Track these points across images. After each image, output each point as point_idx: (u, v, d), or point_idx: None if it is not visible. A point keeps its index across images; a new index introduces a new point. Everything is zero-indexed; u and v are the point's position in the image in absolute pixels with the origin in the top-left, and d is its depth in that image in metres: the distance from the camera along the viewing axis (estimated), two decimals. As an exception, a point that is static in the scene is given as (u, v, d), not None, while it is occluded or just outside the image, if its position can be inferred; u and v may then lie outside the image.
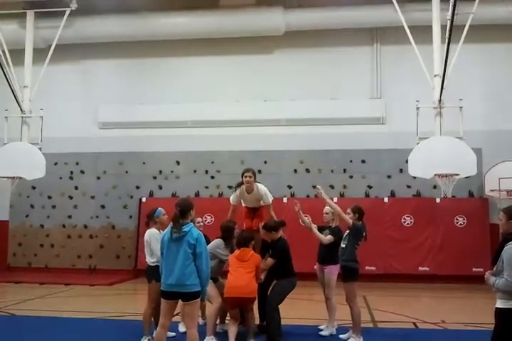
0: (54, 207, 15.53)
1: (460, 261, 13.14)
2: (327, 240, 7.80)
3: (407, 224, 13.83)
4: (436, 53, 12.13)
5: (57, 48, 13.83)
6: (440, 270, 13.38)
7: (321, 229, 7.98)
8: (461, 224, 13.64)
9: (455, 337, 7.85)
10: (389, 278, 13.31)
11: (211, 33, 14.78)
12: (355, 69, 14.95)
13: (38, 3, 14.12)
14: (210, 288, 6.96)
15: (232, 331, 6.95)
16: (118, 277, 13.90)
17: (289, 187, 14.58)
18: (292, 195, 14.29)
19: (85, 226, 15.34)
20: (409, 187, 14.20)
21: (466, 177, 12.10)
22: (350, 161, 14.56)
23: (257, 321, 7.59)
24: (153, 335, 6.37)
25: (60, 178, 15.50)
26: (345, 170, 14.58)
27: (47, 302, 10.63)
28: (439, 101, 12.04)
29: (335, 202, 8.26)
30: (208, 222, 13.27)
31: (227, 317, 7.49)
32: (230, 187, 13.99)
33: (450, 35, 10.59)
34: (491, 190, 13.21)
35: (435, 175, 11.67)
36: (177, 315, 6.40)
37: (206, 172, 15.08)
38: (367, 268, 12.82)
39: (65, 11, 13.66)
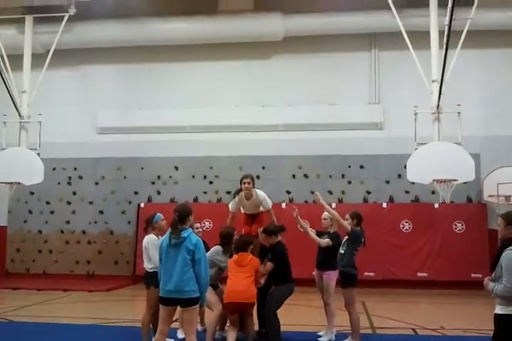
0: (52, 212, 15.50)
1: (459, 267, 13.11)
2: (325, 243, 7.79)
3: (406, 229, 13.82)
4: (434, 59, 12.17)
5: (56, 53, 13.84)
6: (439, 276, 13.35)
7: (319, 235, 7.98)
8: (459, 230, 13.63)
9: (454, 343, 7.84)
10: (388, 284, 13.28)
11: (210, 39, 14.81)
12: (354, 74, 14.98)
13: (36, 8, 14.12)
14: (211, 295, 6.97)
15: (232, 337, 6.93)
16: (116, 283, 13.85)
17: (288, 192, 14.57)
18: (291, 201, 14.28)
19: (83, 232, 15.31)
20: (407, 192, 14.20)
21: (465, 183, 12.11)
22: (349, 167, 14.56)
23: (256, 327, 7.56)
24: (152, 341, 6.35)
25: (59, 184, 15.48)
26: (343, 176, 14.58)
27: (45, 309, 10.58)
28: (437, 106, 12.07)
29: (333, 208, 8.27)
30: (207, 228, 13.26)
31: (227, 324, 7.46)
32: (228, 192, 14.05)
33: (448, 40, 10.61)
34: (490, 196, 13.21)
35: (433, 180, 11.68)
36: (176, 321, 6.37)
37: (205, 177, 15.07)
38: (365, 273, 12.79)
39: (64, 16, 13.70)
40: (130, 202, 15.22)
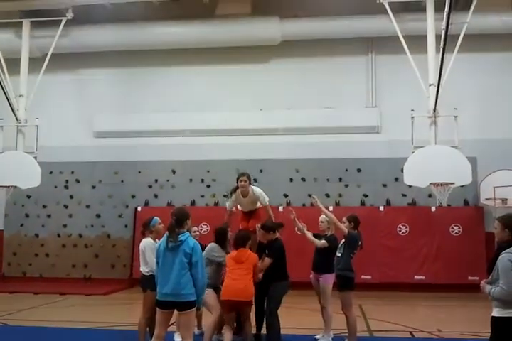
0: (49, 216, 15.47)
1: (456, 270, 13.12)
2: (321, 244, 7.79)
3: (403, 232, 13.82)
4: (431, 62, 12.23)
5: (53, 57, 13.86)
6: (436, 279, 13.36)
7: (316, 237, 7.97)
8: (456, 233, 13.64)
9: (451, 346, 7.84)
10: (385, 287, 13.27)
11: (207, 43, 14.83)
12: (351, 78, 15.02)
13: (34, 12, 14.18)
14: (210, 298, 6.96)
15: (228, 337, 6.92)
16: (113, 286, 13.82)
17: (285, 195, 14.58)
18: (288, 204, 14.26)
19: (80, 236, 15.28)
20: (404, 195, 14.22)
21: (462, 186, 12.17)
22: (346, 170, 14.58)
23: (253, 331, 7.55)
24: (149, 345, 6.34)
25: (55, 187, 15.46)
26: (340, 179, 14.60)
27: (41, 312, 10.58)
28: (434, 110, 12.13)
29: (330, 211, 8.27)
30: (204, 231, 13.22)
31: (224, 328, 7.44)
32: (225, 196, 14.01)
33: (445, 44, 10.66)
34: (486, 199, 13.24)
35: (430, 183, 11.71)
36: (172, 324, 6.36)
37: (202, 181, 15.07)
38: (362, 277, 12.76)
39: (61, 20, 13.74)
40: (127, 206, 15.20)
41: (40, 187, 13.39)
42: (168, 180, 15.24)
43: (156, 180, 15.27)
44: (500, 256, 4.62)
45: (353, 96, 14.92)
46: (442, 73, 11.46)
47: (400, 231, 13.83)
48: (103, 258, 15.01)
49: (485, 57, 14.36)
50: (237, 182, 7.93)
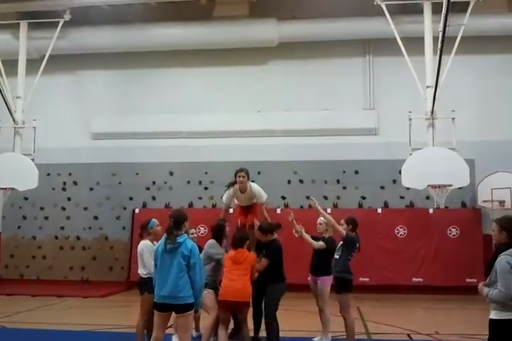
0: (46, 218, 15.45)
1: (453, 272, 13.12)
2: (319, 246, 7.78)
3: (401, 235, 13.82)
4: (428, 64, 12.26)
5: (51, 59, 13.87)
6: (434, 281, 13.35)
7: (314, 239, 7.95)
8: (454, 235, 13.64)
9: (449, 348, 7.83)
10: (382, 289, 13.26)
11: (205, 44, 14.84)
12: (348, 80, 15.03)
13: (31, 13, 14.17)
14: (208, 299, 6.94)
15: (223, 335, 6.91)
16: (111, 289, 13.78)
17: (283, 197, 14.57)
18: (286, 206, 14.26)
19: (78, 238, 15.25)
20: (402, 197, 14.22)
21: (459, 188, 12.19)
22: (344, 172, 14.58)
23: (251, 333, 7.54)
24: (146, 348, 6.32)
25: (53, 189, 15.44)
26: (338, 181, 14.60)
27: (39, 315, 10.54)
28: (432, 112, 12.15)
29: (328, 213, 8.27)
30: (202, 233, 13.19)
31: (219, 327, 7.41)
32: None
33: (442, 46, 10.67)
34: (484, 201, 13.25)
35: (428, 185, 11.73)
36: (170, 327, 6.34)
37: (200, 183, 15.06)
38: (360, 279, 12.76)
39: (59, 21, 13.76)
40: (125, 208, 15.19)
41: (37, 189, 13.38)
42: (165, 182, 15.22)
43: (154, 182, 15.25)
44: (498, 258, 4.61)
45: (350, 98, 14.93)
46: (440, 75, 11.47)
47: (397, 233, 13.83)
48: (101, 260, 14.98)
49: (482, 59, 14.37)
50: (236, 178, 7.89)
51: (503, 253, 4.62)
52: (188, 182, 15.12)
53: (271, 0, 14.58)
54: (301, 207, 14.08)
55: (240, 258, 6.97)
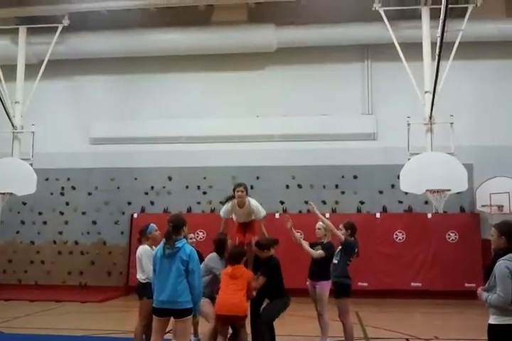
0: (45, 223, 15.42)
1: (452, 277, 13.12)
2: (318, 254, 7.76)
3: (399, 239, 13.82)
4: (426, 70, 12.30)
5: (50, 64, 13.89)
6: (432, 285, 13.34)
7: (313, 245, 7.96)
8: (452, 240, 13.64)
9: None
10: (381, 294, 13.24)
11: (203, 50, 14.87)
12: (347, 85, 15.06)
13: (30, 19, 14.21)
14: (207, 307, 6.94)
15: None
16: (109, 294, 13.75)
17: (281, 202, 14.57)
18: (284, 211, 14.27)
19: (76, 243, 15.23)
20: (400, 202, 14.23)
21: (458, 193, 12.19)
22: (342, 177, 14.59)
23: (249, 339, 7.51)
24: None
25: (51, 194, 15.43)
26: (337, 186, 14.61)
27: (37, 320, 10.51)
28: (430, 117, 12.18)
29: (327, 218, 8.26)
30: (200, 238, 13.20)
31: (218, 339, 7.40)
32: (222, 203, 13.99)
33: (440, 52, 10.70)
34: (482, 206, 13.26)
35: (427, 190, 11.74)
36: (169, 332, 6.33)
37: (198, 187, 15.06)
38: (359, 284, 12.74)
39: (58, 27, 13.79)
40: (123, 213, 15.17)
41: (35, 194, 13.37)
42: (164, 187, 15.22)
43: (153, 187, 15.25)
44: (497, 263, 4.62)
45: (349, 103, 14.96)
46: (438, 80, 11.51)
47: (396, 237, 13.82)
48: (99, 265, 14.95)
49: (480, 65, 14.42)
50: (234, 193, 7.88)
51: (502, 258, 4.63)
52: (187, 187, 15.12)
53: (269, 5, 14.60)
54: (300, 211, 14.07)
55: (236, 274, 6.94)
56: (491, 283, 4.66)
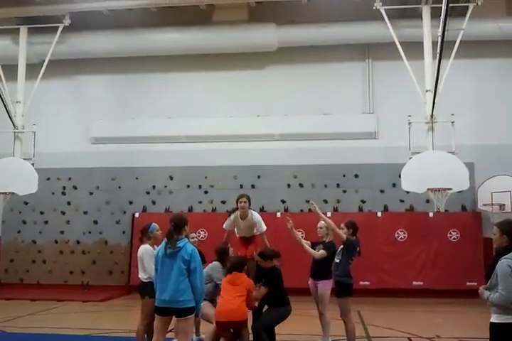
0: (46, 222, 15.44)
1: (454, 276, 13.11)
2: (319, 255, 7.77)
3: (401, 238, 13.81)
4: (427, 69, 12.29)
5: (50, 64, 13.90)
6: (434, 284, 13.33)
7: (314, 245, 7.96)
8: (454, 239, 13.64)
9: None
10: (383, 293, 13.24)
11: (204, 49, 14.87)
12: (348, 84, 15.05)
13: (31, 18, 14.22)
14: (208, 309, 6.97)
15: None
16: (111, 293, 13.76)
17: (283, 201, 14.56)
18: (286, 210, 14.26)
19: (78, 242, 15.25)
20: (402, 201, 14.22)
21: (459, 192, 12.18)
22: (344, 176, 14.59)
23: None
24: (147, 352, 6.32)
25: (53, 194, 15.44)
26: (338, 185, 14.60)
27: (39, 319, 10.53)
28: (431, 116, 12.18)
29: (328, 217, 8.25)
30: (202, 237, 13.21)
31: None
32: (223, 202, 14.08)
33: (441, 51, 10.70)
34: (484, 204, 13.26)
35: (428, 189, 11.73)
36: (171, 331, 6.34)
37: (199, 187, 15.06)
38: (361, 283, 12.73)
39: (58, 26, 13.79)
40: (125, 212, 15.18)
41: (37, 194, 13.38)
42: (165, 186, 15.22)
43: (154, 186, 15.25)
44: (499, 262, 4.62)
45: (350, 102, 14.95)
46: (439, 79, 11.50)
47: (397, 236, 13.82)
48: (100, 264, 14.96)
49: (481, 63, 14.42)
50: (237, 204, 7.92)
51: (504, 256, 4.63)
52: (188, 186, 15.12)
53: (270, 5, 14.60)
54: (301, 211, 14.07)
55: (236, 281, 6.96)
56: (492, 281, 4.66)
